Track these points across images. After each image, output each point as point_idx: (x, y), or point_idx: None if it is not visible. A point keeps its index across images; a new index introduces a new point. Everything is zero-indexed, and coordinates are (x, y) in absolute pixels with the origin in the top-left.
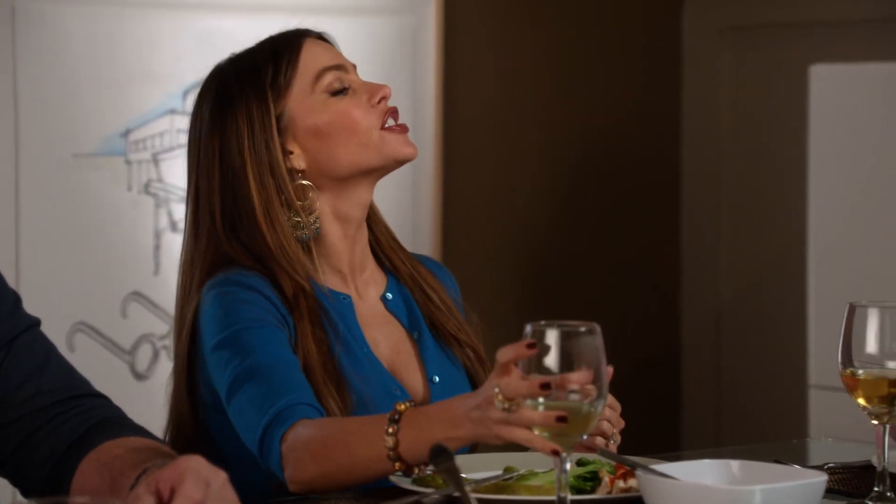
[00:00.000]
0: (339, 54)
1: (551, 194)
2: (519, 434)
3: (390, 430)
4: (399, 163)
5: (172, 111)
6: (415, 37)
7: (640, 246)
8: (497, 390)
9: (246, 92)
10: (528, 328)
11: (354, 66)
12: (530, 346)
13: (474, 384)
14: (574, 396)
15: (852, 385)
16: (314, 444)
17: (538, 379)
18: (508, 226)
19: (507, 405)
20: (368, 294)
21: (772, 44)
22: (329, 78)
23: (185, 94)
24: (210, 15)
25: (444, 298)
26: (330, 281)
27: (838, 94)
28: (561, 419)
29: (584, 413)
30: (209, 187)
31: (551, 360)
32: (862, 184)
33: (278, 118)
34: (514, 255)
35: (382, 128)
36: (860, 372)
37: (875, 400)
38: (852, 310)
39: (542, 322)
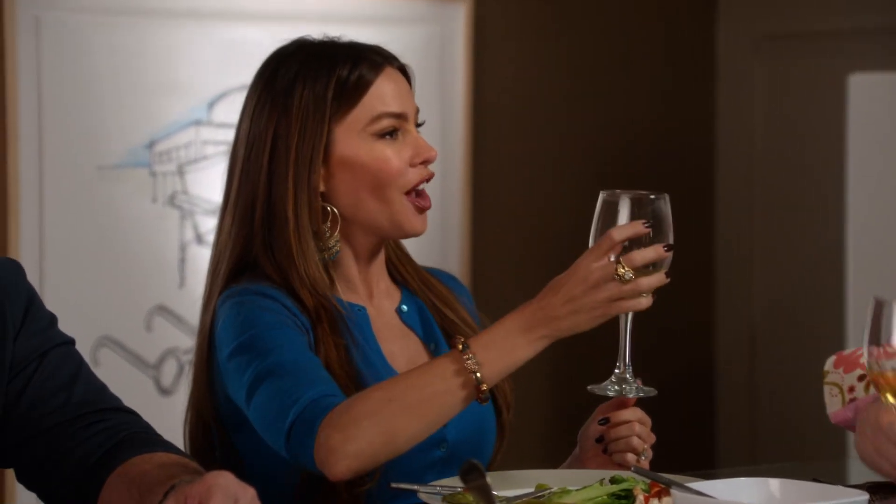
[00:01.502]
0: (409, 96)
1: (582, 205)
2: (633, 303)
3: (467, 356)
4: (405, 236)
5: (198, 122)
6: (443, 47)
7: (672, 260)
8: (620, 264)
9: (310, 96)
10: (604, 196)
11: (417, 110)
12: (646, 225)
13: (498, 416)
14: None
15: (881, 383)
16: (373, 400)
17: (661, 244)
18: (537, 236)
19: (631, 274)
20: (384, 307)
21: (808, 53)
22: (384, 123)
23: (211, 105)
24: (235, 24)
25: (457, 308)
26: (345, 293)
27: (878, 103)
28: (666, 274)
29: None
30: (258, 174)
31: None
32: None
33: (327, 135)
34: (543, 265)
35: (409, 193)
36: (889, 370)
37: None
38: (879, 306)
39: (619, 191)
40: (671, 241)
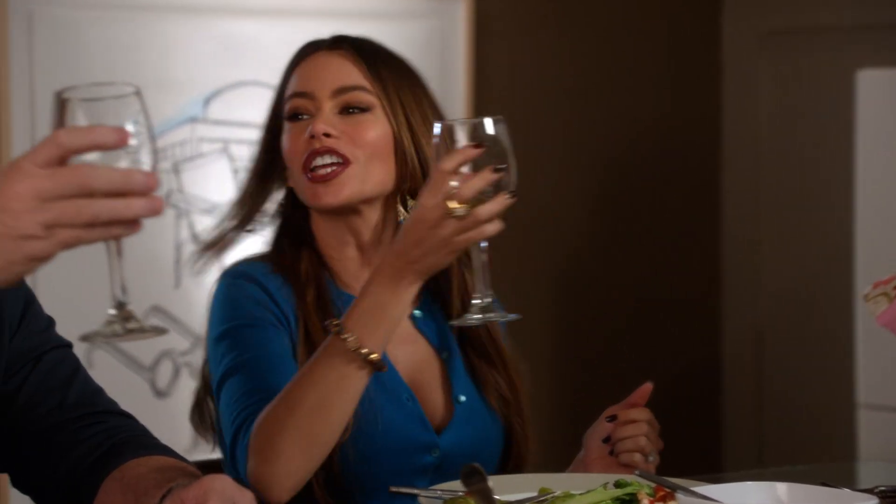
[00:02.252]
0: (325, 75)
1: (585, 203)
2: (476, 234)
3: (344, 336)
4: (318, 210)
5: (193, 119)
6: (444, 42)
7: (677, 257)
8: (450, 200)
9: (275, 96)
10: (440, 126)
11: (348, 88)
12: (477, 146)
13: (505, 426)
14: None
15: None
16: (278, 415)
17: (488, 168)
18: (540, 236)
19: (463, 210)
20: None
21: (814, 49)
22: (288, 106)
23: (207, 101)
24: (232, 19)
25: (494, 331)
26: (354, 289)
27: (887, 99)
28: (512, 194)
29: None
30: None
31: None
32: None
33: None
34: (546, 265)
35: (304, 170)
36: None
37: None
38: None
39: (453, 119)
40: (507, 162)
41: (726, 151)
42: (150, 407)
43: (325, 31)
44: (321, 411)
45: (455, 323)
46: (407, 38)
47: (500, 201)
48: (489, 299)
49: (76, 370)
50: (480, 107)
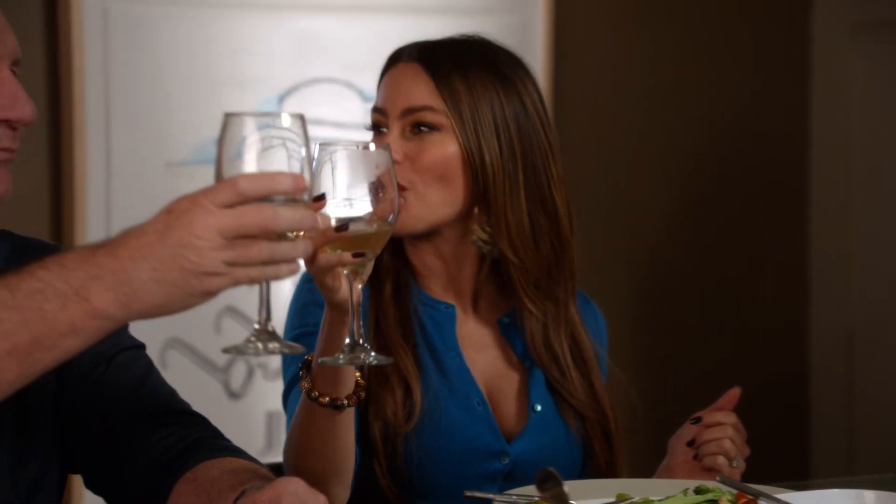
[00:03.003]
0: (399, 89)
1: (668, 201)
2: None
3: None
4: None
5: (269, 114)
6: (523, 35)
7: (764, 257)
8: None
9: None
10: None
11: (413, 109)
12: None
13: (583, 435)
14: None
15: None
16: (287, 440)
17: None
18: (623, 236)
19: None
20: (482, 314)
21: None
22: (372, 118)
23: (282, 98)
24: (307, 15)
25: (583, 347)
26: (436, 292)
27: None
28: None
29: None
30: None
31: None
32: None
33: None
34: (629, 266)
35: None
36: None
37: None
38: None
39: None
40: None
41: (815, 149)
42: (223, 408)
43: (399, 27)
44: (310, 445)
45: (326, 361)
46: (486, 32)
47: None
48: (361, 340)
49: (149, 371)
50: (560, 104)
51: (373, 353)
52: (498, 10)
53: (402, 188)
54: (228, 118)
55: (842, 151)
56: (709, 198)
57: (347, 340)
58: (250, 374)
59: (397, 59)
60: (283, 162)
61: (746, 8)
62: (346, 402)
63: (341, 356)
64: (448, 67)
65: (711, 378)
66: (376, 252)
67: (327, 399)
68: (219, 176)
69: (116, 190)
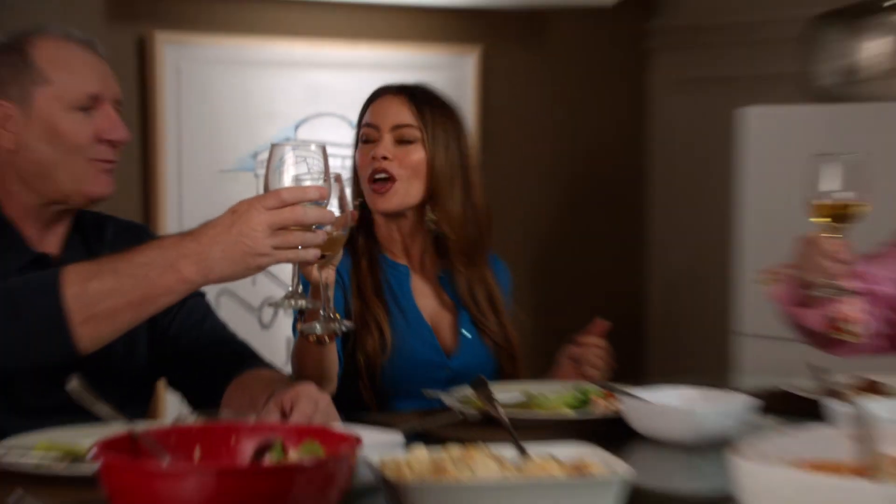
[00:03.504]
0: (391, 113)
1: (553, 200)
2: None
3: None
4: (376, 212)
5: (287, 139)
6: (459, 86)
7: (614, 237)
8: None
9: None
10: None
11: (403, 126)
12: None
13: (497, 351)
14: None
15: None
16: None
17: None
18: (524, 221)
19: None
20: (426, 272)
21: (714, 92)
22: (363, 131)
23: (297, 126)
24: (314, 71)
25: (489, 281)
26: (396, 256)
27: (765, 131)
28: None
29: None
30: None
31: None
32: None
33: None
34: (528, 238)
35: (369, 181)
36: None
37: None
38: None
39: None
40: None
41: (650, 168)
42: (256, 336)
43: (378, 79)
44: (306, 364)
45: (304, 329)
46: (433, 83)
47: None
48: (331, 314)
49: (208, 311)
50: (486, 137)
51: (345, 323)
52: (443, 67)
53: (392, 179)
54: (273, 147)
55: (670, 168)
56: (579, 198)
57: (322, 313)
58: (275, 313)
59: (384, 92)
60: (307, 177)
61: (605, 70)
62: (326, 339)
63: (318, 325)
64: (422, 100)
65: (584, 314)
66: (336, 251)
67: (314, 338)
68: (266, 187)
69: (185, 187)
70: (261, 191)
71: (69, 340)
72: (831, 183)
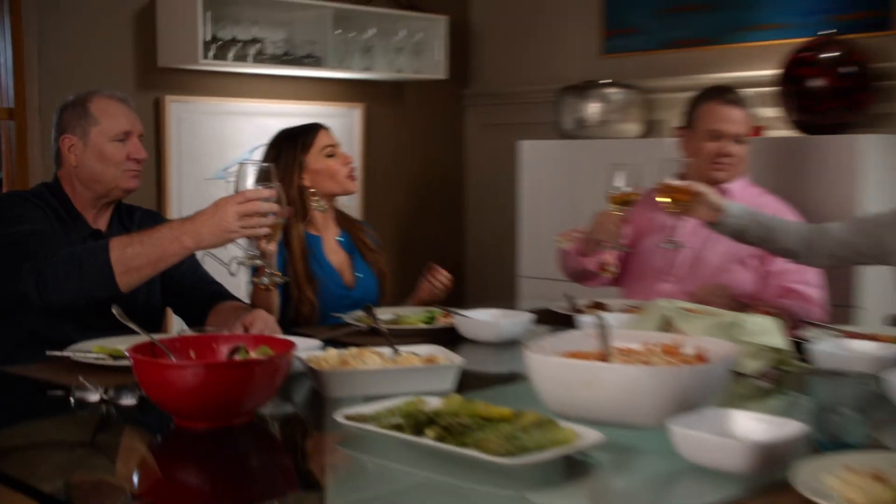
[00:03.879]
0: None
1: (407, 195)
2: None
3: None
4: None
5: (247, 159)
6: (351, 130)
7: (446, 220)
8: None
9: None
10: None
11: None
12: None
13: (378, 284)
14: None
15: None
16: None
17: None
18: (391, 205)
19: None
20: (330, 237)
21: (504, 132)
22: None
23: (251, 151)
24: (261, 118)
25: (367, 241)
26: (316, 230)
27: (538, 160)
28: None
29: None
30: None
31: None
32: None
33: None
34: (393, 218)
35: None
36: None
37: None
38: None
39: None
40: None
41: (467, 181)
42: (228, 281)
43: (300, 118)
44: (258, 300)
45: (257, 282)
46: (333, 126)
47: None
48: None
49: (198, 265)
50: (368, 163)
51: (283, 277)
52: (339, 117)
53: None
54: (240, 164)
55: (478, 179)
56: (425, 198)
57: (268, 270)
58: (239, 269)
59: (319, 127)
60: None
61: (439, 118)
62: (270, 287)
63: (265, 278)
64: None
65: (428, 258)
66: (277, 231)
67: (263, 286)
68: (236, 189)
69: (183, 189)
70: (232, 192)
71: (114, 285)
72: (619, 182)
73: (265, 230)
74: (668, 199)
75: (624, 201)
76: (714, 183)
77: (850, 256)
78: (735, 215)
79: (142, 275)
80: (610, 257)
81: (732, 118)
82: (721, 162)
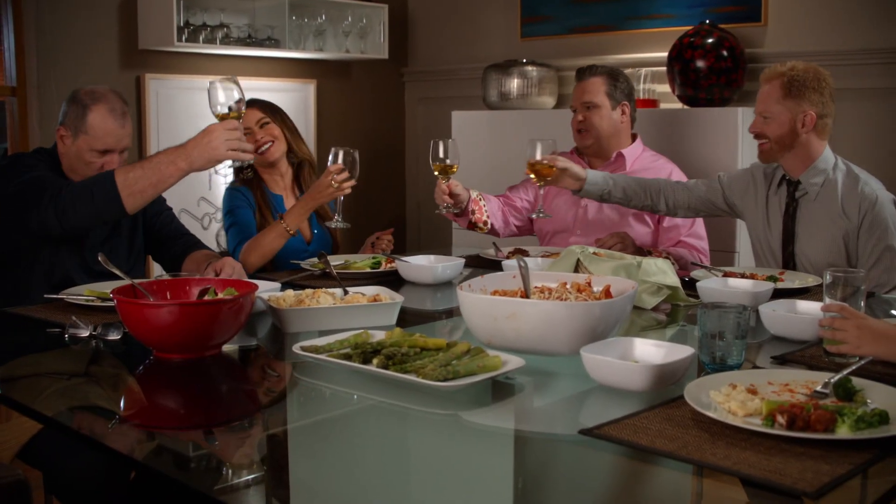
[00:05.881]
0: (254, 114)
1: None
2: (338, 191)
3: (282, 223)
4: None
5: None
6: (305, 103)
7: (390, 181)
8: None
9: None
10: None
11: (265, 123)
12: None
13: (332, 239)
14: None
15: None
16: (249, 244)
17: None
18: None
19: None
20: (290, 197)
21: (438, 104)
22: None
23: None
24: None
25: (326, 206)
26: (276, 190)
27: (464, 125)
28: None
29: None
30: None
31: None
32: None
33: None
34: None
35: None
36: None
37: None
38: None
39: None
40: (350, 171)
41: (406, 148)
42: (200, 233)
43: (263, 97)
44: (268, 248)
45: (330, 224)
46: (286, 102)
47: (351, 182)
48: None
49: (174, 218)
50: (319, 132)
51: (343, 223)
52: (295, 91)
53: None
54: (210, 84)
55: (415, 145)
56: (372, 161)
57: (337, 217)
58: (210, 222)
59: (253, 103)
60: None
61: (382, 93)
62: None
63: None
64: (270, 107)
65: (375, 221)
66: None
67: (291, 230)
68: (209, 104)
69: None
70: (212, 120)
71: (122, 207)
72: (537, 153)
73: (248, 155)
74: (533, 175)
75: (442, 170)
76: (581, 147)
77: (705, 209)
78: (595, 182)
79: (145, 196)
80: (480, 216)
81: (581, 90)
82: (579, 130)
